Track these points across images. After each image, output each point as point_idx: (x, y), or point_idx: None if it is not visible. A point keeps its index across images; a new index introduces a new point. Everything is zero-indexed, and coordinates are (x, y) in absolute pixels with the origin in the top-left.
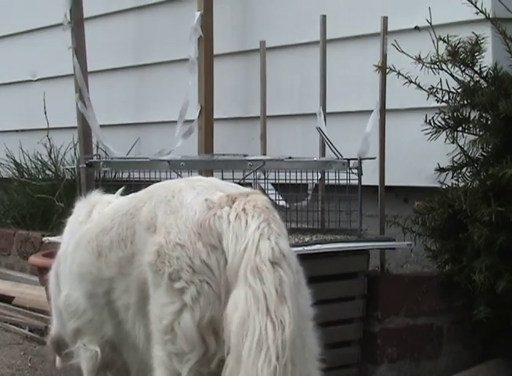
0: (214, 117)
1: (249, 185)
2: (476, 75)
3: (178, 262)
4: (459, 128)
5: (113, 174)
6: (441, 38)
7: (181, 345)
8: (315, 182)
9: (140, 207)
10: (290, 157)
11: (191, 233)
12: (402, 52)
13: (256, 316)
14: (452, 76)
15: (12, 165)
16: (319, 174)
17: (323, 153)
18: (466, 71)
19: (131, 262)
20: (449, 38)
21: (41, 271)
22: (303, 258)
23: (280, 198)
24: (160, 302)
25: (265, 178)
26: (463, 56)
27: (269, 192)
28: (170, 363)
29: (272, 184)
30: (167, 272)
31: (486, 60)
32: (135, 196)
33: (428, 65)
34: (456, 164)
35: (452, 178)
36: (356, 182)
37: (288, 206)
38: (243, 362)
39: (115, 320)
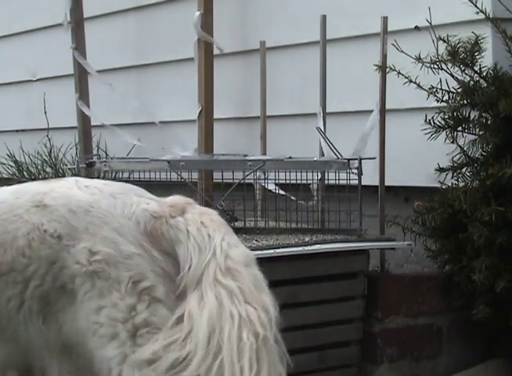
0: (214, 117)
1: (249, 185)
2: (476, 75)
3: (138, 266)
4: (459, 128)
5: (114, 174)
6: (441, 38)
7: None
8: (315, 182)
9: (29, 213)
10: (290, 157)
11: (143, 242)
12: (402, 51)
13: (233, 307)
14: (452, 76)
15: (13, 165)
16: (319, 174)
17: (323, 153)
18: (466, 71)
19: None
20: (449, 38)
21: None
22: (303, 258)
23: (286, 194)
24: (122, 304)
25: (265, 178)
26: (462, 55)
27: (270, 188)
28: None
29: (275, 184)
30: (126, 276)
31: (486, 60)
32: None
33: (428, 65)
34: (455, 164)
35: (452, 178)
36: (356, 182)
37: (293, 198)
38: (225, 347)
39: None
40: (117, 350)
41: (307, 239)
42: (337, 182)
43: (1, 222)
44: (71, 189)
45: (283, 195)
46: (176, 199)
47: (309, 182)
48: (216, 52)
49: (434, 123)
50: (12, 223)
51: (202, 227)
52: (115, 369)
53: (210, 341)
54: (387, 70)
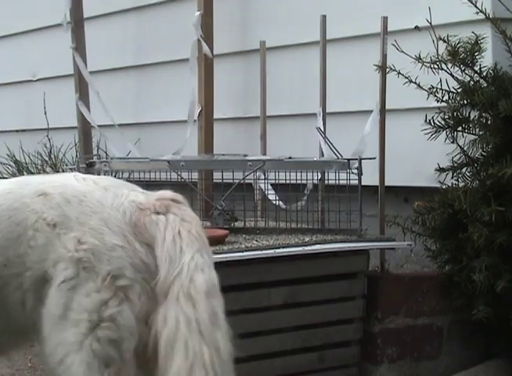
0: (214, 117)
1: (249, 185)
2: (476, 75)
3: (119, 260)
4: (459, 128)
5: (114, 174)
6: (441, 38)
7: (121, 332)
8: (315, 182)
9: (25, 204)
10: (290, 157)
11: (126, 233)
12: (402, 52)
13: (189, 339)
14: (452, 76)
15: (13, 165)
16: (319, 174)
17: (323, 153)
18: (466, 71)
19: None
20: (449, 38)
21: None
22: (303, 258)
23: (278, 199)
24: (96, 296)
25: (265, 178)
26: (463, 55)
27: (269, 192)
28: (100, 348)
29: (272, 184)
30: (105, 270)
31: (486, 60)
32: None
33: (428, 65)
34: (455, 164)
35: (452, 178)
36: (356, 182)
37: (286, 207)
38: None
39: None
40: (77, 337)
41: (307, 239)
42: (337, 182)
43: (14, 212)
44: (69, 180)
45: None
46: (164, 193)
47: (308, 182)
48: (216, 52)
49: (434, 123)
50: (22, 213)
51: (177, 238)
52: (70, 357)
53: (165, 362)
54: (387, 70)
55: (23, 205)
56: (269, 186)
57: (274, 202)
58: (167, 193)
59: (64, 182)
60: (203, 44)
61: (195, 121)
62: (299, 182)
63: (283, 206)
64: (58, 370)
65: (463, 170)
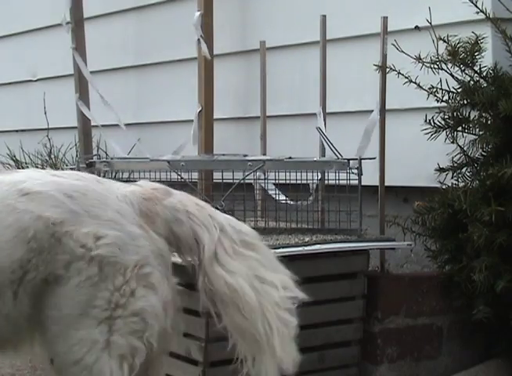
0: (214, 117)
1: (249, 185)
2: (476, 75)
3: (144, 250)
4: (459, 128)
5: (114, 174)
6: (441, 38)
7: (149, 320)
8: (315, 182)
9: (22, 202)
10: (290, 157)
11: (142, 223)
12: (402, 51)
13: (265, 273)
14: (452, 76)
15: (13, 165)
16: (319, 174)
17: (323, 153)
18: (466, 71)
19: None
20: (449, 38)
21: None
22: (303, 258)
23: (282, 195)
24: (126, 289)
25: (265, 178)
26: (463, 55)
27: (270, 192)
28: (125, 342)
29: (273, 184)
30: (133, 260)
31: (486, 60)
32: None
33: (428, 65)
34: (455, 164)
35: (452, 178)
36: (356, 182)
37: (292, 202)
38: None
39: None
40: (102, 335)
41: (307, 239)
42: (337, 182)
43: None
44: (53, 177)
45: (282, 201)
46: (151, 183)
47: (309, 182)
48: (216, 52)
49: (434, 123)
50: (9, 215)
51: (199, 207)
52: (94, 354)
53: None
54: (387, 70)
55: (7, 207)
56: (272, 186)
57: (280, 200)
58: (151, 183)
59: (50, 179)
60: (202, 45)
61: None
62: (299, 182)
63: (289, 202)
64: (72, 369)
65: (463, 170)
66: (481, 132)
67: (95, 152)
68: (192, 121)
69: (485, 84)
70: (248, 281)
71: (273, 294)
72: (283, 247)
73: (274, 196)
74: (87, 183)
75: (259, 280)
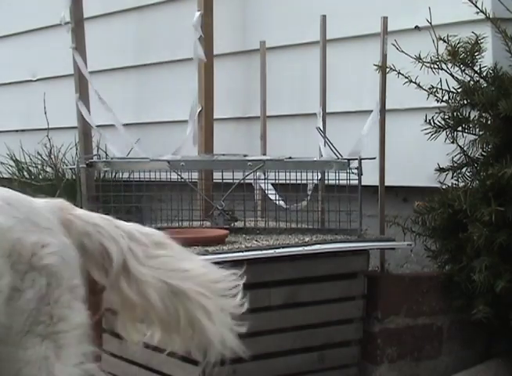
0: (214, 117)
1: (249, 185)
2: (476, 75)
3: (74, 260)
4: (459, 128)
5: (114, 174)
6: (441, 38)
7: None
8: (315, 182)
9: None
10: (290, 157)
11: (65, 233)
12: (402, 51)
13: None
14: (452, 76)
15: (13, 165)
16: (319, 174)
17: (323, 153)
18: (466, 71)
19: None
20: (449, 38)
21: None
22: (303, 258)
23: (279, 198)
24: (64, 300)
25: (265, 178)
26: (463, 55)
27: (269, 192)
28: (74, 351)
29: (272, 184)
30: (69, 272)
31: (486, 60)
32: None
33: (428, 65)
34: (455, 164)
35: (452, 178)
36: (356, 182)
37: (287, 207)
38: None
39: None
40: (52, 350)
41: (307, 239)
42: (337, 182)
43: None
44: None
45: (279, 200)
46: (53, 200)
47: (309, 182)
48: (216, 52)
49: (434, 123)
50: None
51: (105, 220)
52: (47, 368)
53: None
54: (387, 70)
55: None
56: (270, 186)
57: (275, 202)
58: (54, 199)
59: None
60: (199, 47)
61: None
62: (299, 182)
63: (285, 206)
64: None
65: (463, 170)
66: (481, 132)
67: (95, 152)
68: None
69: (485, 85)
70: (159, 290)
71: (196, 277)
72: (283, 247)
73: (272, 198)
74: (15, 193)
75: (175, 273)
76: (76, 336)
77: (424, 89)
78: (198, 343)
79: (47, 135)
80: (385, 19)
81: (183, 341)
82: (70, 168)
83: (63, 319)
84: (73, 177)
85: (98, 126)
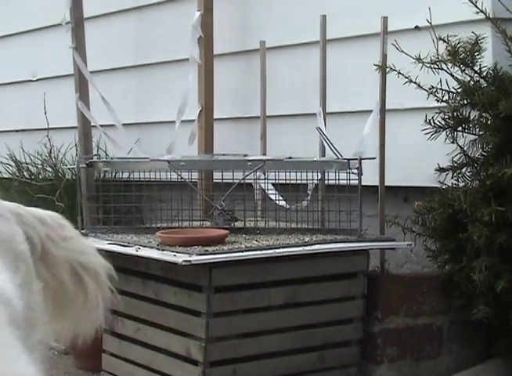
0: (214, 117)
1: (249, 185)
2: (476, 75)
3: None
4: (459, 128)
5: (114, 174)
6: (441, 38)
7: None
8: (315, 182)
9: None
10: (290, 157)
11: None
12: (402, 51)
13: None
14: (452, 76)
15: (13, 165)
16: (318, 174)
17: (323, 153)
18: (466, 71)
19: None
20: (449, 38)
21: None
22: (303, 258)
23: (280, 198)
24: None
25: (265, 179)
26: (463, 55)
27: (269, 192)
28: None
29: (272, 184)
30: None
31: (486, 60)
32: None
33: (428, 65)
34: (456, 164)
35: (452, 178)
36: (356, 182)
37: (288, 207)
38: None
39: None
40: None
41: (307, 239)
42: (337, 182)
43: None
44: None
45: (280, 200)
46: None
47: (309, 182)
48: (216, 52)
49: (434, 123)
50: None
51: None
52: None
53: None
54: (387, 70)
55: None
56: (270, 186)
57: (276, 202)
58: None
59: None
60: (195, 49)
61: (193, 121)
62: (299, 182)
63: (286, 205)
64: None
65: (463, 170)
66: (481, 132)
67: (95, 152)
68: (192, 120)
69: (485, 85)
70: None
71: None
72: (282, 247)
73: (272, 198)
74: None
75: (84, 254)
76: None
77: (424, 89)
78: (83, 308)
79: (47, 135)
80: (385, 19)
81: (74, 315)
82: (70, 168)
83: None
84: (73, 177)
85: (98, 127)
